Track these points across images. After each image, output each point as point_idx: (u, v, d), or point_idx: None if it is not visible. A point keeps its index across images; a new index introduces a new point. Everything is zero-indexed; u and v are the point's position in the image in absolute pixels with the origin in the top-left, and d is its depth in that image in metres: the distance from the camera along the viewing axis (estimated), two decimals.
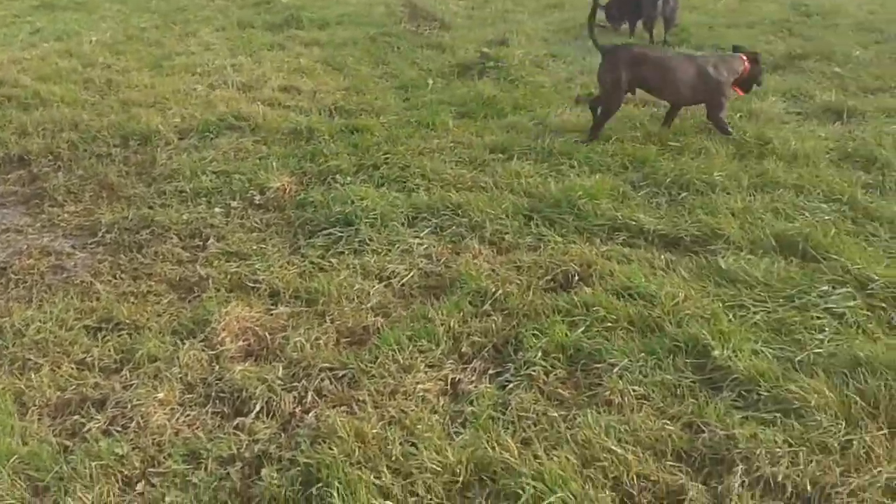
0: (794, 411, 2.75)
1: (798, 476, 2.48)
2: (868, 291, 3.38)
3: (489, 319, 3.57)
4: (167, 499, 2.58)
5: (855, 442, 2.57)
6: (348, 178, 5.19)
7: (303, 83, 7.25)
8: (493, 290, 3.75)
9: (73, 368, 3.34)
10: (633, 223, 4.29)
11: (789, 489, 2.46)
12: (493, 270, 3.97)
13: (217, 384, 3.21)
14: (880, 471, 2.44)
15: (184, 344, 3.45)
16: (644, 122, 5.83)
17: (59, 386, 3.23)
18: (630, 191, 4.71)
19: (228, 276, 4.12)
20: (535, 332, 3.39)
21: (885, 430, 2.61)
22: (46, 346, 3.51)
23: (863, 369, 2.85)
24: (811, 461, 2.53)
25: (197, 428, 2.98)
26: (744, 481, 2.52)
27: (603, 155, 5.21)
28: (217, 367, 3.33)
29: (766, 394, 2.87)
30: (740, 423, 2.74)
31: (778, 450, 2.58)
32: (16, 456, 2.74)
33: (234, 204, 5.01)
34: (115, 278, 4.21)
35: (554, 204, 4.55)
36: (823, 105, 5.94)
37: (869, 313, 3.27)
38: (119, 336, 3.59)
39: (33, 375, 3.27)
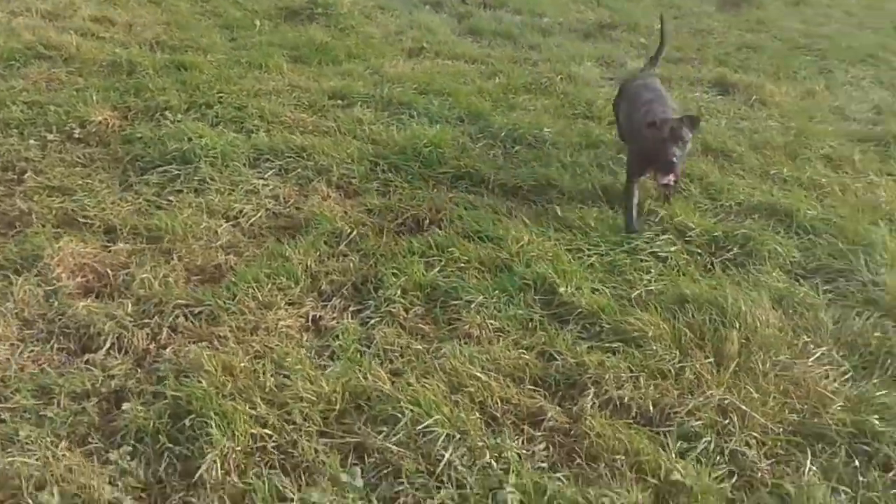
0: (633, 341, 3.06)
1: (641, 398, 2.78)
2: (686, 238, 3.80)
3: (346, 259, 3.60)
4: (21, 433, 2.40)
5: (687, 369, 2.92)
6: (179, 116, 4.93)
7: (116, 14, 6.71)
8: (349, 231, 3.78)
9: None
10: (475, 172, 4.46)
11: (634, 409, 2.75)
12: (346, 213, 4.00)
13: (59, 320, 3.00)
14: (711, 394, 2.80)
15: (17, 279, 3.16)
16: (475, 79, 6.03)
17: None
18: (469, 142, 4.89)
19: (54, 212, 3.80)
20: (394, 271, 3.47)
21: (712, 359, 2.99)
22: None
23: (690, 305, 3.23)
24: (650, 385, 2.85)
25: (43, 364, 2.77)
26: (595, 402, 2.78)
27: (441, 108, 5.35)
28: (56, 304, 3.09)
29: (607, 326, 3.16)
30: (587, 352, 3.01)
31: (623, 375, 2.88)
32: None
33: (50, 137, 4.59)
34: None
35: (399, 151, 4.62)
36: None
37: (688, 257, 3.69)
38: None
39: None
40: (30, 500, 2.13)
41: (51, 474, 2.24)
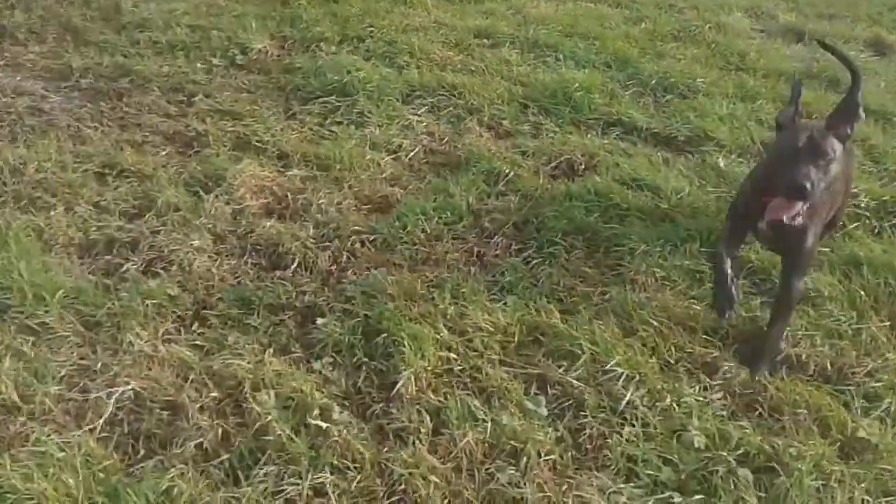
0: (808, 300, 3.03)
1: (818, 357, 2.77)
2: (855, 203, 3.70)
3: (506, 199, 3.66)
4: (229, 339, 2.59)
5: (863, 331, 2.89)
6: (333, 48, 5.05)
7: None
8: (507, 171, 3.83)
9: (90, 210, 3.21)
10: (627, 119, 4.42)
11: (812, 367, 2.74)
12: (500, 153, 4.05)
13: (249, 237, 3.18)
14: (890, 357, 2.76)
15: (206, 196, 3.36)
16: (620, 24, 5.92)
17: (79, 227, 3.10)
18: (618, 89, 4.83)
19: (228, 134, 4.00)
20: (554, 213, 3.52)
21: (888, 323, 2.95)
22: (52, 186, 3.33)
23: (864, 268, 3.17)
24: (826, 344, 2.83)
25: (240, 276, 2.96)
26: None
27: (587, 52, 5.28)
28: (244, 222, 3.28)
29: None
30: (760, 307, 3.00)
31: (798, 332, 2.86)
32: (61, 290, 2.65)
33: (215, 61, 4.79)
34: (102, 125, 3.99)
35: (549, 94, 4.61)
36: (785, 26, 6.21)
37: (856, 221, 3.59)
38: (129, 183, 3.45)
39: (51, 214, 3.11)
40: (249, 399, 2.32)
41: (262, 378, 2.42)
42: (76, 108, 4.16)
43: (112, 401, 2.24)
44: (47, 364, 2.36)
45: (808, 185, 2.34)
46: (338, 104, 4.38)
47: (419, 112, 4.43)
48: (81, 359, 2.43)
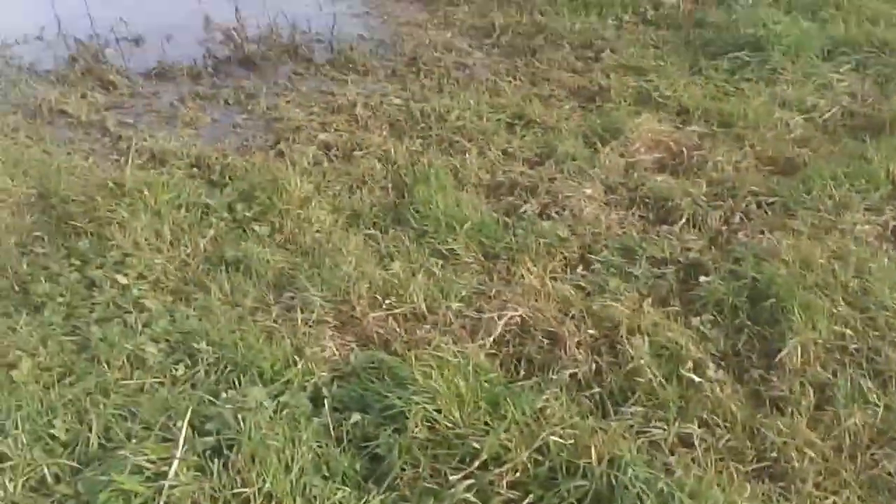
0: None
1: None
2: None
3: None
4: (610, 284, 2.67)
5: None
6: (750, 1, 4.77)
7: None
8: None
9: (498, 155, 3.52)
10: None
11: None
12: None
13: (640, 189, 3.21)
14: None
15: (602, 147, 3.47)
16: None
17: (487, 169, 3.42)
18: None
19: (629, 89, 4.05)
20: None
21: None
22: (469, 132, 3.72)
23: None
24: None
25: (626, 227, 3.02)
26: None
27: None
28: (635, 175, 3.32)
29: None
30: None
31: None
32: (468, 223, 2.97)
33: (626, 18, 4.86)
34: (515, 79, 4.32)
35: None
36: None
37: None
38: (534, 133, 3.70)
39: (466, 156, 3.49)
40: (624, 342, 2.38)
41: (639, 324, 2.45)
42: (494, 63, 4.57)
43: (501, 323, 2.47)
44: (451, 284, 2.67)
45: None
46: (748, 59, 4.17)
47: (840, 70, 4.02)
48: (479, 284, 2.71)
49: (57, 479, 2.04)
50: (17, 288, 2.72)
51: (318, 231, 3.04)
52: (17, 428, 2.11)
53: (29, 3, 5.70)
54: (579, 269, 2.81)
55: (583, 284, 2.72)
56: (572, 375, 2.33)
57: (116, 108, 4.27)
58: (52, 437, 2.12)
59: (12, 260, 2.83)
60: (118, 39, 5.04)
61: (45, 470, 2.04)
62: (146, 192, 3.14)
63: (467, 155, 3.52)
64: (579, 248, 2.89)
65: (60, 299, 2.63)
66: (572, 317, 2.52)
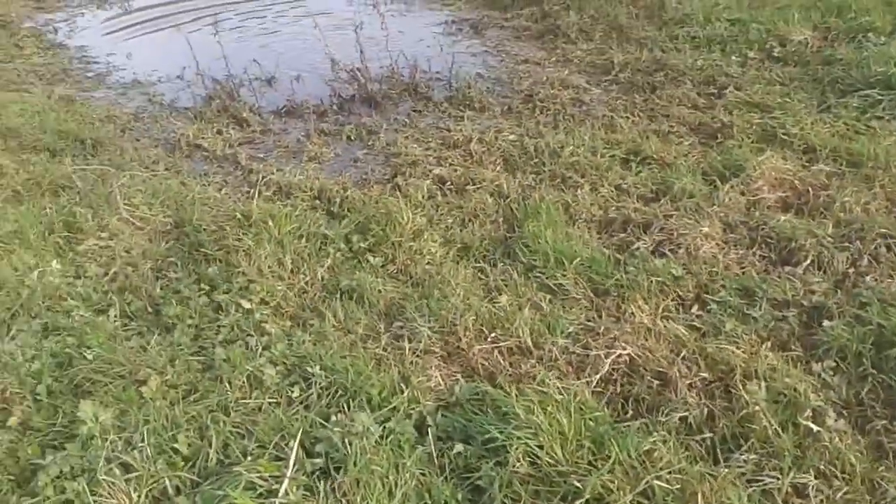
0: None
1: None
2: None
3: None
4: (727, 326, 2.58)
5: None
6: (882, 39, 4.55)
7: None
8: None
9: (611, 191, 3.50)
10: None
11: None
12: None
13: (761, 229, 3.10)
14: None
15: (722, 185, 3.38)
16: None
17: (600, 205, 3.40)
18: None
19: (753, 126, 3.94)
20: None
21: None
22: (582, 168, 3.71)
23: None
24: None
25: (745, 267, 2.92)
26: None
27: None
28: (757, 213, 3.21)
29: None
30: None
31: None
32: (577, 258, 2.96)
33: (751, 54, 4.74)
34: (633, 116, 4.28)
35: None
36: None
37: None
38: (649, 169, 3.65)
39: (578, 192, 3.48)
40: (739, 386, 2.29)
41: (755, 369, 2.35)
42: (612, 99, 4.55)
43: (609, 361, 2.44)
44: (559, 319, 2.66)
45: None
46: (879, 98, 3.98)
47: None
48: (587, 320, 2.68)
49: (178, 490, 2.16)
50: (150, 309, 2.92)
51: (428, 263, 3.11)
52: (143, 441, 2.25)
53: (171, 46, 6.18)
54: (693, 309, 2.73)
55: (696, 325, 2.64)
56: (682, 419, 2.26)
57: (248, 144, 4.53)
58: (175, 450, 2.25)
59: (148, 283, 3.04)
60: (251, 80, 5.36)
61: (167, 482, 2.16)
62: (270, 223, 3.30)
63: (579, 190, 3.51)
64: (694, 288, 2.81)
65: (189, 321, 2.80)
66: (684, 358, 2.46)
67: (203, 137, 4.55)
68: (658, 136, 3.97)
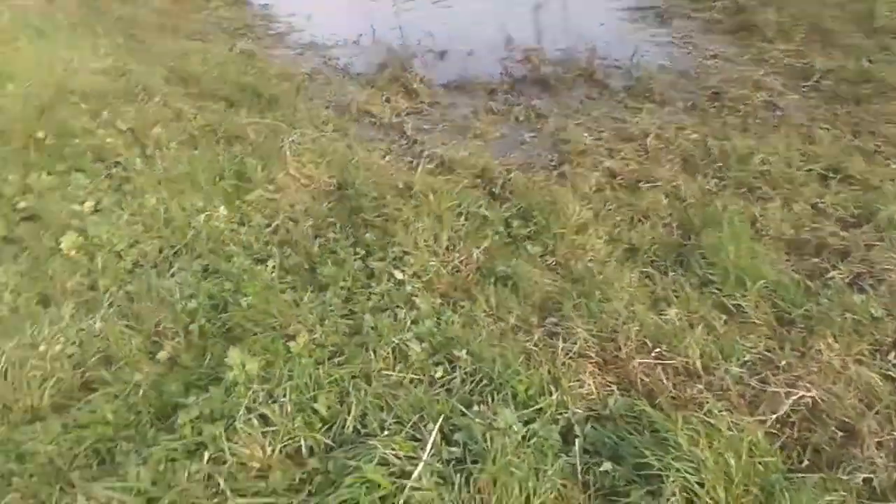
0: None
1: None
2: None
3: None
4: None
5: None
6: None
7: None
8: None
9: (806, 209, 3.16)
10: None
11: None
12: None
13: None
14: None
15: None
16: None
17: (792, 223, 3.07)
18: None
19: None
20: None
21: None
22: (773, 179, 3.38)
23: None
24: None
25: None
26: None
27: None
28: None
29: None
30: None
31: None
32: (762, 279, 2.67)
33: None
34: (834, 128, 3.86)
35: None
36: None
37: None
38: (851, 190, 3.27)
39: (767, 205, 3.17)
40: None
41: None
42: (811, 107, 4.14)
43: (789, 401, 2.16)
44: (734, 345, 2.40)
45: None
46: None
47: None
48: (767, 350, 2.41)
49: (311, 451, 2.11)
50: (306, 266, 2.91)
51: (591, 260, 2.92)
52: (285, 396, 2.22)
53: (350, 12, 6.24)
54: (890, 356, 2.39)
55: (893, 375, 2.31)
56: (866, 480, 1.98)
57: (416, 114, 4.48)
58: (314, 411, 2.21)
59: (307, 240, 3.03)
60: (424, 52, 5.31)
61: (302, 441, 2.12)
62: (431, 197, 3.22)
63: (769, 204, 3.19)
64: (894, 332, 2.46)
65: (342, 283, 2.76)
66: (877, 412, 2.15)
67: (372, 104, 4.54)
68: (862, 154, 3.56)
